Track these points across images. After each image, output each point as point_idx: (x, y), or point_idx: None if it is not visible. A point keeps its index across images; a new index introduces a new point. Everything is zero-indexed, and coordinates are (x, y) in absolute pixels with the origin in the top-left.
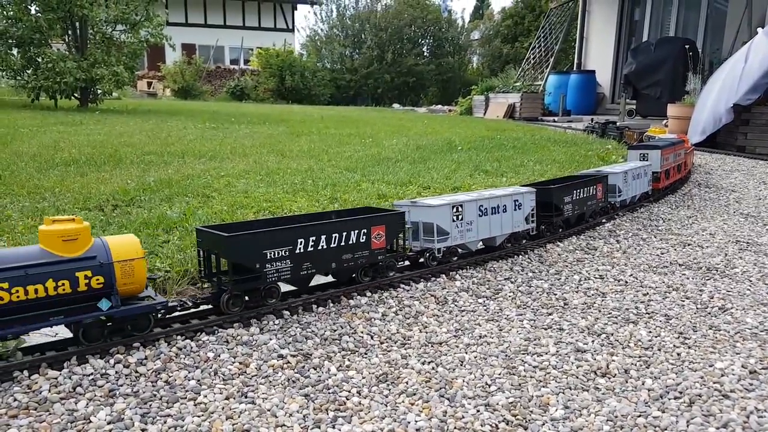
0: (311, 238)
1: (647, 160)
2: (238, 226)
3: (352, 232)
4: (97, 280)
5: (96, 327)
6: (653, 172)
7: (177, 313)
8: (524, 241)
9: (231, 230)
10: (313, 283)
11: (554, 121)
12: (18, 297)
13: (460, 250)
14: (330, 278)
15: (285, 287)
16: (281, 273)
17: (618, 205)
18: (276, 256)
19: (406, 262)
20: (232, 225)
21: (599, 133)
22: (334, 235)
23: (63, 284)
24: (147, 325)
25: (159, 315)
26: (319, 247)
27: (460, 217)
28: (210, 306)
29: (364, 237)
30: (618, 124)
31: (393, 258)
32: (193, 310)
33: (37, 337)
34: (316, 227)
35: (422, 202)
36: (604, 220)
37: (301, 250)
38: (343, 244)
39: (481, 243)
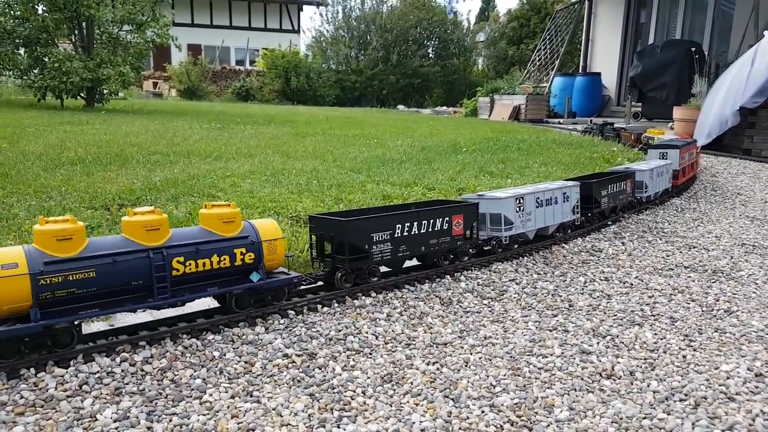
0: (407, 224)
1: (667, 159)
2: (344, 214)
3: (438, 220)
4: (249, 256)
5: (246, 296)
6: (673, 169)
7: (303, 287)
8: (569, 231)
9: (339, 217)
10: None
11: (559, 123)
12: (189, 269)
13: (519, 238)
14: (415, 262)
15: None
16: (383, 254)
17: (644, 200)
18: (380, 239)
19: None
20: (339, 213)
21: (597, 134)
22: (424, 222)
23: (224, 259)
24: (283, 295)
25: (293, 288)
26: (413, 233)
27: (522, 208)
28: (322, 283)
29: (447, 225)
30: (615, 125)
31: (468, 244)
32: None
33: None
34: (412, 214)
35: (490, 195)
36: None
37: (399, 235)
38: (431, 230)
39: (535, 232)
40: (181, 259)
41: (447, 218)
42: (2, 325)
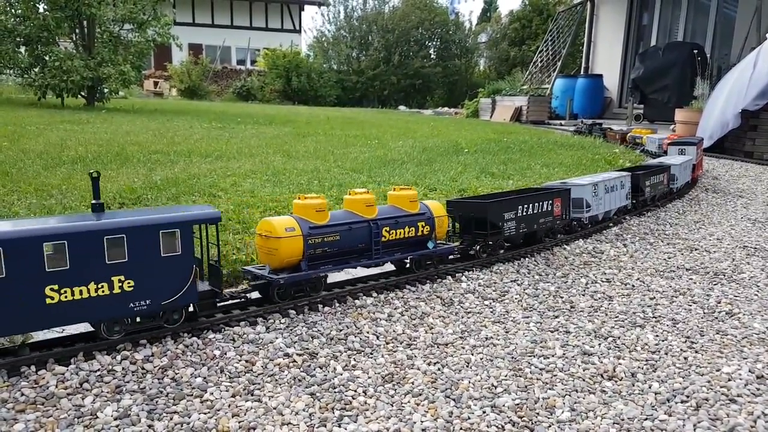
0: (526, 205)
1: (686, 154)
2: (474, 198)
3: (545, 202)
4: (427, 228)
5: (422, 260)
6: (693, 164)
7: (451, 257)
8: (625, 216)
9: (470, 201)
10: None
11: (561, 124)
12: (391, 237)
13: (594, 219)
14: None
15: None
16: (510, 230)
17: (675, 189)
18: (509, 217)
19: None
20: (473, 197)
21: (586, 133)
22: (536, 204)
23: (411, 229)
24: (441, 262)
25: (451, 256)
26: (529, 212)
27: (596, 193)
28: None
29: (550, 206)
30: (603, 125)
31: (563, 224)
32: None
33: (44, 333)
34: (530, 197)
35: (572, 182)
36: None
37: (521, 214)
38: (541, 211)
39: (602, 215)
40: (388, 228)
41: (551, 201)
42: (284, 272)
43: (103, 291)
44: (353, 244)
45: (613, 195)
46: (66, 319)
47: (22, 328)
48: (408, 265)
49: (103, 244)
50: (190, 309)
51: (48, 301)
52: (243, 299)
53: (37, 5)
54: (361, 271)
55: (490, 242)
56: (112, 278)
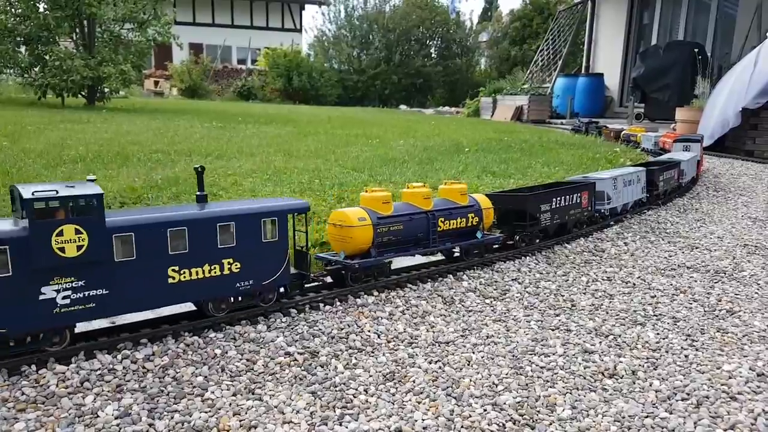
0: (559, 198)
1: (691, 151)
2: (513, 192)
3: (575, 195)
4: (475, 219)
5: (471, 249)
6: (697, 160)
7: (495, 246)
8: (641, 208)
9: (508, 195)
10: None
11: (562, 123)
12: (445, 227)
13: (613, 211)
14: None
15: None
16: (545, 221)
17: (683, 184)
18: (544, 209)
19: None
20: (511, 190)
21: (583, 131)
22: (567, 196)
23: (462, 220)
24: (486, 251)
25: (495, 245)
26: (561, 204)
27: (616, 186)
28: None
29: (579, 199)
30: (599, 123)
31: (589, 215)
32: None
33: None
34: (563, 190)
35: (594, 176)
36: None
37: (555, 206)
38: (571, 203)
39: (620, 207)
40: (443, 219)
41: (579, 194)
42: (356, 258)
43: (215, 272)
44: (413, 233)
45: (631, 188)
46: (184, 297)
47: (148, 305)
48: (457, 254)
49: (216, 230)
50: (281, 290)
51: (170, 280)
52: (321, 282)
53: (38, 5)
54: (406, 261)
55: (527, 232)
56: (223, 260)
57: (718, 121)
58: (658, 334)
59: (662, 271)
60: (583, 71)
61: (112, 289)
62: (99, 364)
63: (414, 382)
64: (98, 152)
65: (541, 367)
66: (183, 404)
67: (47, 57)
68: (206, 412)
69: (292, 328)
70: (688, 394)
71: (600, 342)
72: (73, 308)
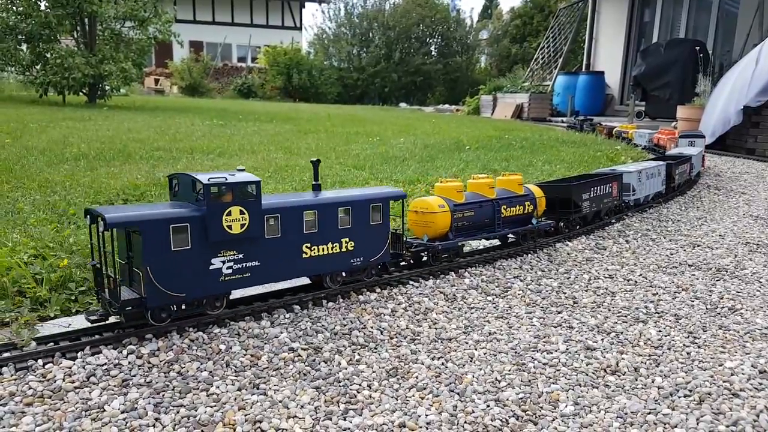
0: (596, 187)
1: (696, 146)
2: (558, 182)
3: (608, 185)
4: (530, 207)
5: (527, 234)
6: (702, 155)
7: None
8: (660, 199)
9: (554, 185)
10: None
11: (562, 121)
12: (507, 214)
13: (637, 202)
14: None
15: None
16: (585, 209)
17: (692, 177)
18: (585, 197)
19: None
20: (554, 181)
21: (578, 128)
22: (602, 186)
23: (520, 208)
24: (539, 236)
25: (547, 230)
26: (597, 194)
27: (640, 179)
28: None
29: (611, 189)
30: (593, 120)
31: (618, 204)
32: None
33: (50, 328)
34: (598, 180)
35: (622, 169)
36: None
37: (593, 195)
38: (605, 192)
39: (642, 198)
40: (505, 206)
41: (611, 184)
42: (436, 241)
43: (335, 249)
44: (482, 219)
45: (652, 181)
46: (312, 270)
47: (287, 276)
48: (512, 239)
49: (337, 213)
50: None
51: (304, 255)
52: (410, 261)
53: (39, 3)
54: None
55: (570, 219)
56: (341, 239)
57: (720, 119)
58: (660, 331)
59: (664, 269)
60: (583, 69)
61: (262, 261)
62: (105, 359)
63: (417, 377)
64: (100, 149)
65: (544, 364)
66: (188, 399)
67: (48, 55)
68: (212, 407)
69: (295, 324)
70: (690, 391)
71: (602, 339)
72: (234, 277)
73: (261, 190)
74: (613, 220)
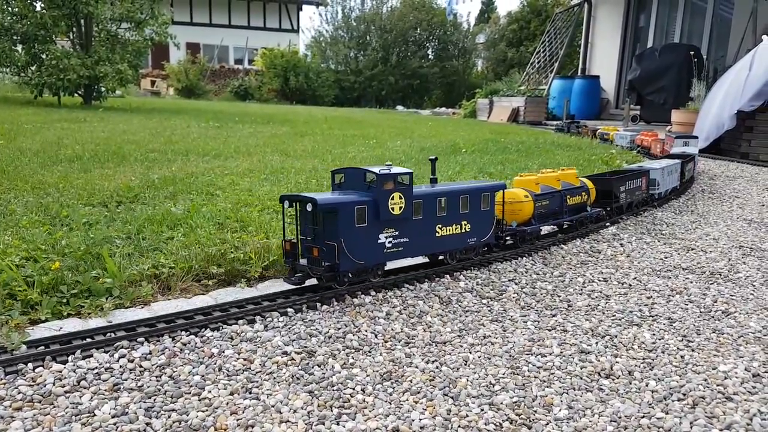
0: (630, 181)
1: (689, 146)
2: (599, 176)
3: (638, 180)
4: (584, 197)
5: (583, 221)
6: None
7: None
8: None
9: (599, 178)
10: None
11: (555, 125)
12: (571, 202)
13: (660, 195)
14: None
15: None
16: (623, 199)
17: (694, 174)
18: (623, 190)
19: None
20: (596, 174)
21: (565, 130)
22: (635, 180)
23: (579, 198)
24: (585, 223)
25: (597, 216)
26: (630, 187)
27: (663, 175)
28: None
29: (641, 183)
30: (580, 123)
31: (645, 197)
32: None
33: (41, 331)
34: (632, 175)
35: (648, 166)
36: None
37: (628, 188)
38: (636, 186)
39: (663, 192)
40: (569, 196)
41: (642, 178)
42: (528, 225)
43: (458, 230)
44: (553, 208)
45: (671, 177)
46: (441, 248)
47: (424, 252)
48: (566, 225)
49: (459, 200)
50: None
51: (436, 234)
52: (505, 242)
53: (34, 3)
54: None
55: (611, 208)
56: (462, 222)
57: (714, 123)
58: (654, 334)
59: (658, 273)
60: (579, 73)
61: (410, 238)
62: (96, 362)
63: (411, 381)
64: (95, 151)
65: (538, 367)
66: (180, 403)
67: (44, 56)
68: (203, 411)
69: (289, 328)
70: (684, 395)
71: (596, 342)
72: (392, 250)
73: (412, 180)
74: (642, 211)
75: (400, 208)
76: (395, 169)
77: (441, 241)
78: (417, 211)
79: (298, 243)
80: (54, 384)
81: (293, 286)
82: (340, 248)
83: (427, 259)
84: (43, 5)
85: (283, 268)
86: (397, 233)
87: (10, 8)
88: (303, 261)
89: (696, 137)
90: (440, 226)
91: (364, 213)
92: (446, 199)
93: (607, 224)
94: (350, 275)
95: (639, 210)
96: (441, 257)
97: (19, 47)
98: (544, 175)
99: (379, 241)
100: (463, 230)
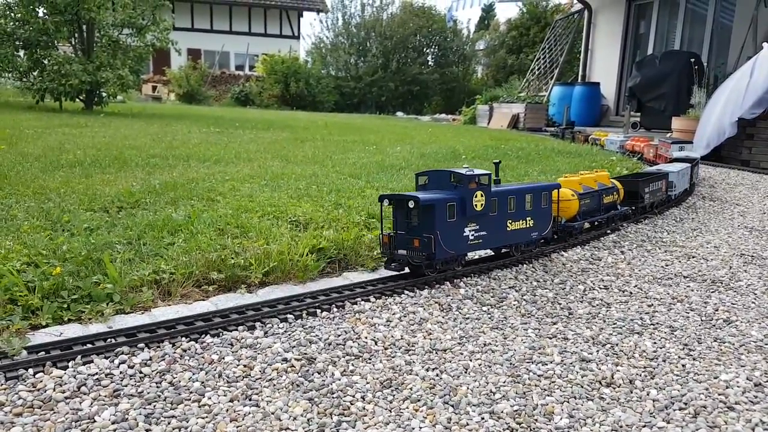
0: (653, 183)
1: (685, 150)
2: (625, 177)
3: (660, 181)
4: (615, 196)
5: (615, 219)
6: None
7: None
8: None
9: (626, 179)
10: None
11: (554, 131)
12: (606, 201)
13: (676, 196)
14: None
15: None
16: (647, 200)
17: (696, 180)
18: (646, 191)
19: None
20: (623, 176)
21: (560, 136)
22: (657, 182)
23: (611, 197)
24: (615, 220)
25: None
26: (654, 188)
27: (679, 177)
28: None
29: (661, 185)
30: (574, 128)
31: (665, 198)
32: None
33: (41, 337)
34: (653, 177)
35: (666, 169)
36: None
37: (651, 189)
38: (656, 188)
39: (678, 193)
40: (605, 195)
41: (662, 181)
42: (574, 221)
43: (523, 225)
44: (592, 206)
45: (684, 179)
46: (510, 240)
47: (497, 244)
48: (597, 222)
49: (524, 198)
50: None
51: (507, 228)
52: (558, 236)
53: (37, 9)
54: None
55: (636, 207)
56: (527, 218)
57: (714, 130)
58: (655, 343)
59: (659, 280)
60: (579, 80)
61: (487, 231)
62: (96, 368)
63: (411, 389)
64: (96, 156)
65: (539, 376)
66: (180, 410)
67: (46, 61)
68: (203, 418)
69: (289, 334)
70: (685, 404)
71: (597, 351)
72: (473, 242)
73: (491, 179)
74: (656, 211)
75: (482, 205)
76: (477, 171)
77: (511, 234)
78: (493, 208)
79: (393, 236)
80: (54, 390)
81: (394, 272)
82: (436, 240)
83: (492, 252)
84: (45, 11)
85: (284, 274)
86: (477, 227)
87: (12, 14)
88: (401, 251)
89: (690, 142)
90: (510, 221)
91: (454, 209)
92: (515, 197)
93: (608, 231)
94: (441, 264)
95: (658, 210)
96: (504, 250)
97: (22, 53)
98: (584, 176)
99: (464, 234)
100: (528, 225)
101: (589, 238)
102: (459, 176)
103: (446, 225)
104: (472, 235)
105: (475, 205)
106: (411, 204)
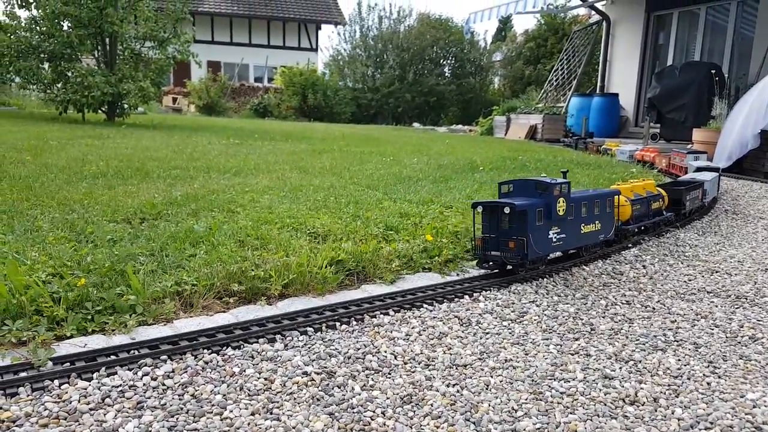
0: (693, 191)
1: (700, 160)
2: (667, 185)
3: (698, 189)
4: (663, 203)
5: (661, 224)
6: None
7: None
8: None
9: (669, 187)
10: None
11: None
12: (654, 207)
13: (709, 203)
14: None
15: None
16: (687, 205)
17: (718, 189)
18: (687, 198)
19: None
20: (665, 184)
21: (573, 146)
22: (695, 191)
23: (658, 204)
24: (660, 224)
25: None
26: (693, 196)
27: (712, 186)
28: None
29: (698, 192)
30: (587, 139)
31: (701, 204)
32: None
33: (66, 348)
34: (692, 186)
35: (701, 177)
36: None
37: (691, 196)
38: (695, 196)
39: (711, 200)
40: (652, 202)
41: (699, 189)
42: (628, 225)
43: (593, 228)
44: (642, 211)
45: (714, 188)
46: (583, 242)
47: (573, 246)
48: (644, 227)
49: (593, 203)
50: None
51: (581, 231)
52: (618, 239)
53: (62, 23)
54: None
55: (679, 213)
56: (596, 221)
57: (737, 142)
58: (679, 360)
59: (682, 296)
60: (597, 91)
61: (566, 234)
62: (120, 380)
63: (432, 405)
64: (118, 168)
65: (561, 393)
66: (202, 422)
67: (69, 73)
68: (225, 431)
69: (308, 347)
70: (711, 423)
71: (620, 367)
72: (555, 243)
73: (570, 187)
74: (695, 216)
75: (563, 210)
76: (559, 180)
77: (584, 236)
78: (571, 213)
79: (488, 239)
80: (79, 401)
81: (486, 271)
82: (528, 242)
83: (560, 254)
84: (70, 25)
85: (303, 286)
86: (559, 230)
87: (38, 27)
88: (494, 253)
89: (705, 152)
90: (584, 224)
91: (542, 214)
92: (588, 203)
93: (629, 245)
94: (531, 263)
95: (696, 217)
96: (572, 251)
97: (46, 65)
98: (633, 184)
99: (549, 236)
100: (596, 228)
101: (611, 252)
102: (545, 185)
103: (536, 228)
104: (555, 237)
105: (559, 210)
106: (507, 210)
